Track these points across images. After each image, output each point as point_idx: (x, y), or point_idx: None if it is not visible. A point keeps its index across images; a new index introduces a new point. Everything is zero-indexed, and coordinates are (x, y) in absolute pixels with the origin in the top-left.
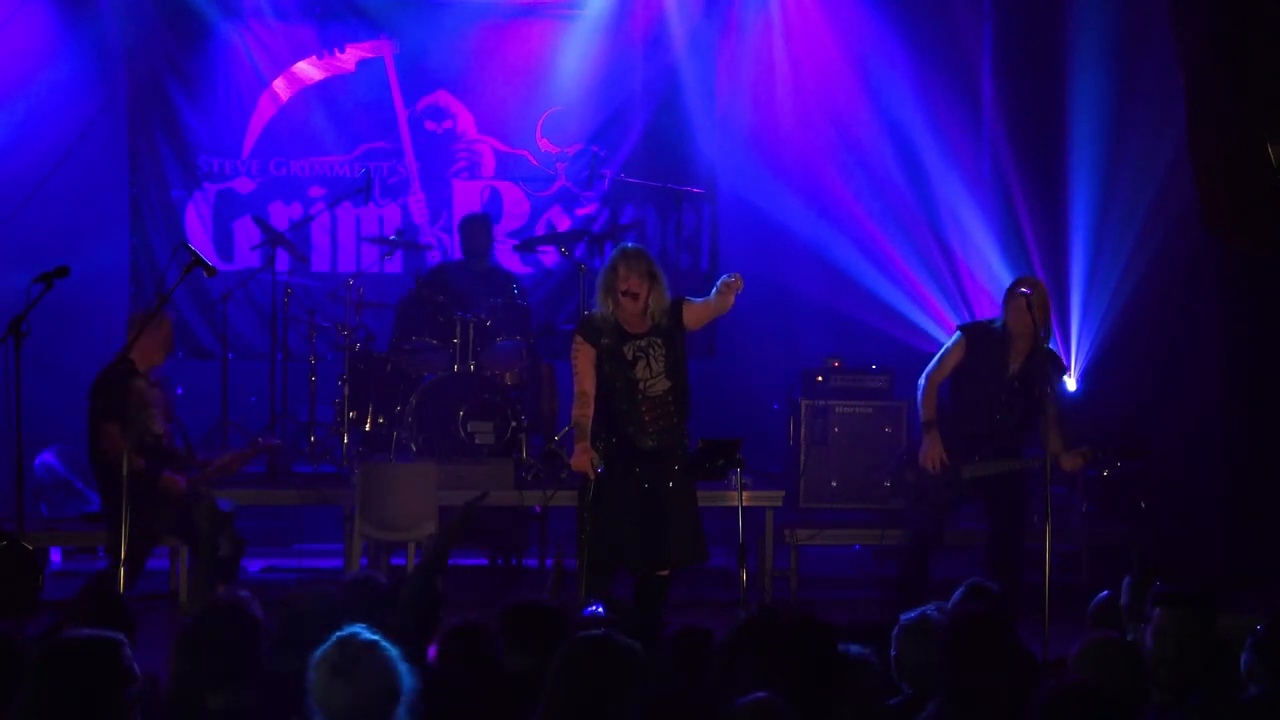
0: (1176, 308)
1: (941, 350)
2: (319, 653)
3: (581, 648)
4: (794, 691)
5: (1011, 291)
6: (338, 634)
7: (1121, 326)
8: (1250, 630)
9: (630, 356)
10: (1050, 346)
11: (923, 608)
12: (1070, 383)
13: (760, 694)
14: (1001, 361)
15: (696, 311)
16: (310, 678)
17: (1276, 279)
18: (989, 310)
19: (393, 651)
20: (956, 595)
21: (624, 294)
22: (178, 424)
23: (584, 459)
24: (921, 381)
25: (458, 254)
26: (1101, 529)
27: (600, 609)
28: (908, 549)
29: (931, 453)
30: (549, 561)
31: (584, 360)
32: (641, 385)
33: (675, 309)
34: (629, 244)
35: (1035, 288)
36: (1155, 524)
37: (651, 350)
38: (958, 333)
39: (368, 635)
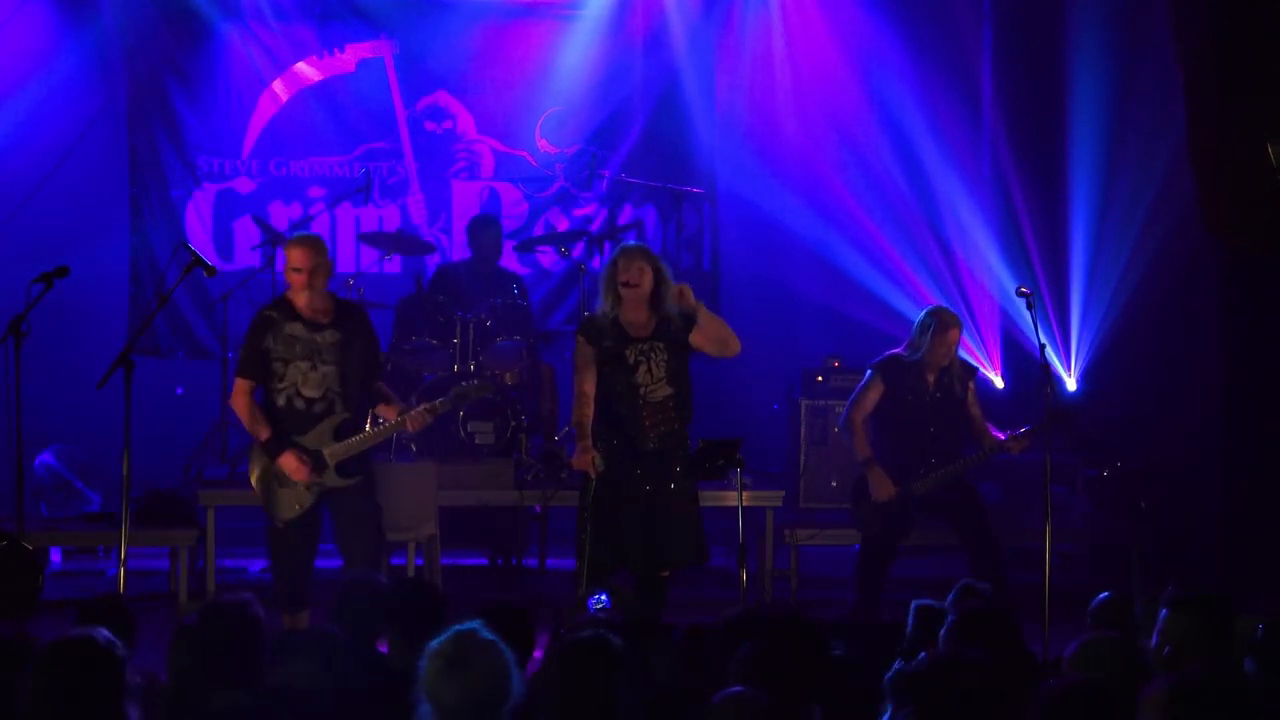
0: (1176, 308)
1: (857, 391)
2: (433, 645)
3: (576, 650)
4: (779, 689)
5: (939, 328)
6: (455, 628)
7: (1121, 326)
8: (1252, 631)
9: (632, 360)
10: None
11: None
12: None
13: (736, 689)
14: (920, 381)
15: (699, 340)
16: (422, 668)
17: (1276, 279)
18: (989, 309)
19: (507, 653)
20: (950, 598)
21: (623, 285)
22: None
23: (586, 458)
24: (844, 423)
25: (456, 254)
26: (1101, 529)
27: (605, 599)
28: (863, 557)
29: (880, 487)
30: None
31: (585, 361)
32: (643, 390)
33: (688, 320)
34: (631, 242)
35: (959, 324)
36: (1155, 524)
37: (654, 355)
38: (870, 371)
39: (484, 633)
